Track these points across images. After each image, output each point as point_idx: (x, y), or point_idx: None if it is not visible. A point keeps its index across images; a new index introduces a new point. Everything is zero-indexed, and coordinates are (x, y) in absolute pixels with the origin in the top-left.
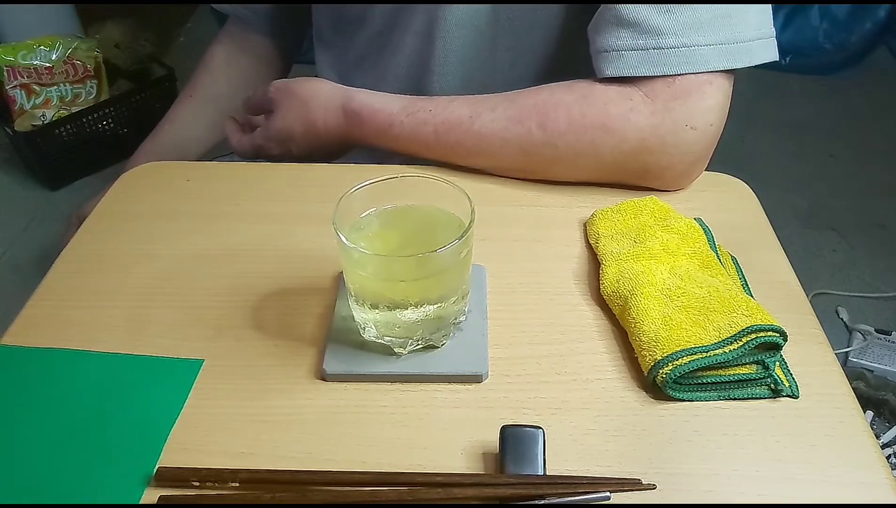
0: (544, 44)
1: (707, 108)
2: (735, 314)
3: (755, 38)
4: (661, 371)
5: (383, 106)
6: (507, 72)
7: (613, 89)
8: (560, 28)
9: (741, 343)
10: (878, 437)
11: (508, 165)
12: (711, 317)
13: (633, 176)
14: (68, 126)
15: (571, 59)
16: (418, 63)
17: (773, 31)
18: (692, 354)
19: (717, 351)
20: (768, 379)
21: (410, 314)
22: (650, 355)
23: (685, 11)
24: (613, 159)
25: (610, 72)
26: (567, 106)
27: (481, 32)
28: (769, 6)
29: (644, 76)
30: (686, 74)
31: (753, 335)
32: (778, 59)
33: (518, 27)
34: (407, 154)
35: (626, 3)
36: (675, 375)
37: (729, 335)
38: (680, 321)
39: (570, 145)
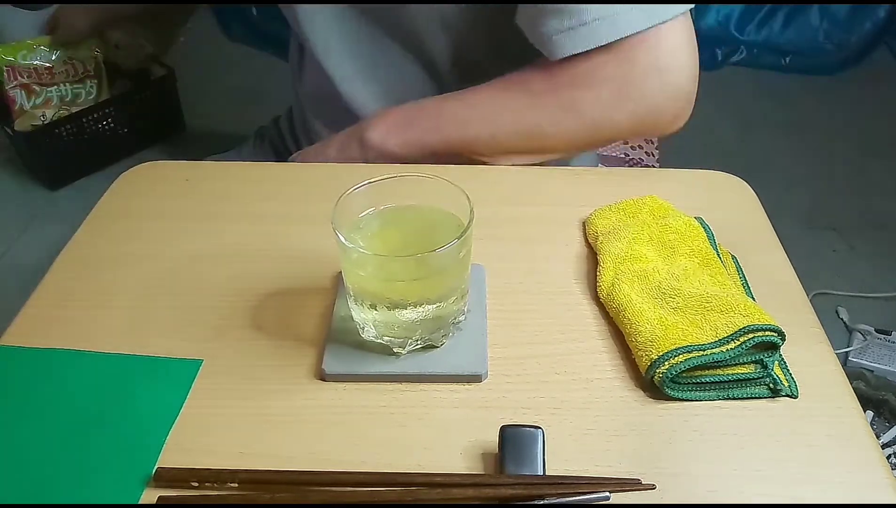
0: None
1: (670, 49)
2: (732, 314)
3: None
4: (658, 370)
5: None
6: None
7: (572, 64)
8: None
9: (738, 343)
10: (878, 437)
11: (503, 132)
12: (708, 317)
13: (627, 129)
14: (68, 126)
15: None
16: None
17: None
18: (688, 352)
19: (713, 350)
20: (767, 379)
21: (409, 314)
22: (646, 354)
23: None
24: (601, 114)
25: (569, 49)
26: (537, 77)
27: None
28: None
29: (595, 48)
30: (631, 35)
31: (751, 335)
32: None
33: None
34: None
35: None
36: (672, 373)
37: (726, 335)
38: (676, 321)
39: (551, 104)
